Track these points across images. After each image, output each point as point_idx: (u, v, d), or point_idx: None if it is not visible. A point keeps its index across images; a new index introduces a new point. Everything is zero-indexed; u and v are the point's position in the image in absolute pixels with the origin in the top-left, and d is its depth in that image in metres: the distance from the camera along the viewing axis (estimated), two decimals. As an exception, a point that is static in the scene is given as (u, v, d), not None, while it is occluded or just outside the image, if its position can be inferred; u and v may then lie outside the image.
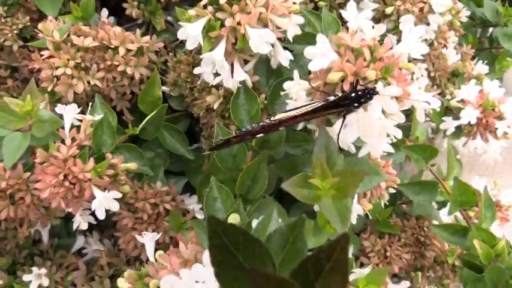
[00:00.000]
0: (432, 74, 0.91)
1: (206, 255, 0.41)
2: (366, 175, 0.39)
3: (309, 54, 0.46)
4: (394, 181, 0.62)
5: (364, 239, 0.73)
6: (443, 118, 0.81)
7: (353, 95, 0.44)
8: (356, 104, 0.44)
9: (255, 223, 0.45)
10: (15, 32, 0.73)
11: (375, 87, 0.44)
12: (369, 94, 0.43)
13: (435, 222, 0.76)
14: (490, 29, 1.14)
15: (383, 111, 0.46)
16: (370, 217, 0.72)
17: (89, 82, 0.64)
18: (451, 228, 0.64)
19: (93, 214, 0.57)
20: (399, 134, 0.49)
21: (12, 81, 0.77)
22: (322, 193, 0.39)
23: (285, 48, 0.62)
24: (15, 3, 0.75)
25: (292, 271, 0.26)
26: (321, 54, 0.44)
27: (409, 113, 0.69)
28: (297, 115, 0.47)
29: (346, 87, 0.46)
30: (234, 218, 0.46)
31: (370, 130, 0.45)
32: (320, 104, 0.46)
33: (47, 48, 0.64)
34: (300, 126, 0.55)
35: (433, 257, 0.74)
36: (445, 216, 0.79)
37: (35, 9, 0.76)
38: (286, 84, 0.52)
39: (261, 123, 0.49)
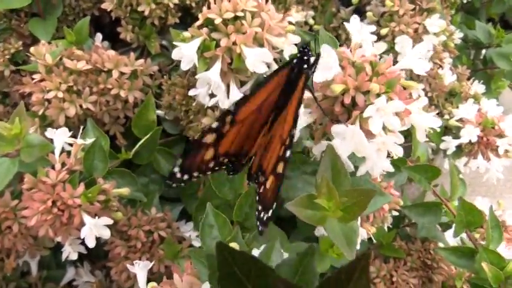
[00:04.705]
0: (429, 94, 0.90)
1: (206, 288, 0.38)
2: (374, 195, 0.36)
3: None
4: (397, 203, 0.60)
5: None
6: (443, 138, 0.80)
7: (295, 60, 0.44)
8: (305, 66, 0.44)
9: (255, 252, 0.43)
10: (7, 57, 0.72)
11: (309, 43, 0.45)
12: (306, 48, 0.44)
13: (441, 245, 0.74)
14: (483, 51, 1.15)
15: (383, 128, 0.45)
16: (374, 241, 0.69)
17: (81, 106, 0.63)
18: (458, 251, 0.62)
19: (83, 243, 0.54)
20: (400, 151, 0.47)
21: (3, 107, 0.75)
22: (328, 214, 0.37)
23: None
24: (7, 28, 0.74)
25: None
26: (325, 66, 0.43)
27: (406, 134, 0.68)
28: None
29: (347, 100, 0.44)
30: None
31: (360, 144, 0.44)
32: (272, 72, 0.45)
33: (39, 72, 0.63)
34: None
35: (441, 282, 0.71)
36: (450, 238, 0.77)
37: (27, 34, 0.76)
38: None
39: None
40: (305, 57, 0.44)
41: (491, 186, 0.98)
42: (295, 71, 0.44)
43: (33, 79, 0.63)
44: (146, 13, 0.70)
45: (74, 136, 0.59)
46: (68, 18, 0.80)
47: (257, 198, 0.43)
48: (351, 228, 0.38)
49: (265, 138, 0.45)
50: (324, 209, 0.36)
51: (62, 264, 0.72)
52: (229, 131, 0.44)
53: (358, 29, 0.47)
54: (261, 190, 0.43)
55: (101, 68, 0.65)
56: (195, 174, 0.44)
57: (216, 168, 0.45)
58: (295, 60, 0.45)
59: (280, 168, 0.41)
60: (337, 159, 0.42)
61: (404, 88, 0.49)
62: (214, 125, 0.43)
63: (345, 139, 0.43)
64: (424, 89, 0.90)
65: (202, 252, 0.41)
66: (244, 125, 0.45)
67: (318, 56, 0.44)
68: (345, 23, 0.48)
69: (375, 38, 0.49)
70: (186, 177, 0.43)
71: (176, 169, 0.43)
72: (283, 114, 0.44)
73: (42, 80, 0.62)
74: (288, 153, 0.41)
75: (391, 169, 0.48)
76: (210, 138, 0.43)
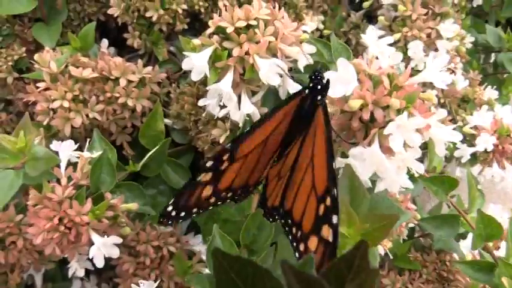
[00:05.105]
0: (442, 101, 0.88)
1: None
2: (397, 219, 0.34)
3: (332, 80, 0.43)
4: (414, 217, 0.58)
5: (383, 277, 0.68)
6: (458, 145, 0.78)
7: (307, 91, 0.42)
8: (319, 97, 0.42)
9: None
10: (10, 63, 0.70)
11: (321, 70, 0.43)
12: (318, 76, 0.42)
13: (456, 256, 0.72)
14: (492, 56, 1.13)
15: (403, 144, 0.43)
16: (388, 253, 0.67)
17: (87, 115, 0.60)
18: (476, 264, 0.60)
19: (90, 259, 0.52)
20: (421, 168, 0.46)
21: (6, 115, 0.73)
22: (348, 241, 0.35)
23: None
24: (10, 33, 0.72)
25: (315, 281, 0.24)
26: (342, 80, 0.41)
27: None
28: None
29: (366, 116, 0.42)
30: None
31: (381, 165, 0.42)
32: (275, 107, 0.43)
33: (43, 80, 0.61)
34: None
35: (458, 294, 0.69)
36: (464, 248, 0.75)
37: (31, 40, 0.74)
38: None
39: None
40: (319, 86, 0.41)
41: (502, 192, 0.96)
42: (309, 103, 0.42)
43: (37, 87, 0.61)
44: (154, 19, 0.68)
45: (80, 147, 0.57)
46: (72, 24, 0.78)
47: (296, 254, 0.38)
48: (372, 255, 0.36)
49: (277, 168, 0.43)
50: (344, 236, 0.34)
51: (68, 276, 0.70)
52: (228, 167, 0.42)
53: (375, 40, 0.46)
54: (302, 249, 0.37)
55: (108, 75, 0.62)
56: (194, 210, 0.42)
57: (219, 202, 0.43)
58: (307, 91, 0.42)
59: (326, 233, 0.35)
60: (355, 179, 0.40)
61: (423, 100, 0.47)
62: (209, 164, 0.42)
63: (364, 160, 0.41)
64: (436, 95, 0.88)
65: (205, 278, 0.39)
66: (248, 160, 0.42)
67: (327, 82, 0.42)
68: (361, 34, 0.46)
69: (393, 50, 0.47)
70: (182, 214, 0.42)
71: (170, 208, 0.42)
72: (305, 146, 0.41)
73: (47, 89, 0.60)
74: (335, 219, 0.35)
75: (411, 186, 0.46)
76: (205, 177, 0.42)
